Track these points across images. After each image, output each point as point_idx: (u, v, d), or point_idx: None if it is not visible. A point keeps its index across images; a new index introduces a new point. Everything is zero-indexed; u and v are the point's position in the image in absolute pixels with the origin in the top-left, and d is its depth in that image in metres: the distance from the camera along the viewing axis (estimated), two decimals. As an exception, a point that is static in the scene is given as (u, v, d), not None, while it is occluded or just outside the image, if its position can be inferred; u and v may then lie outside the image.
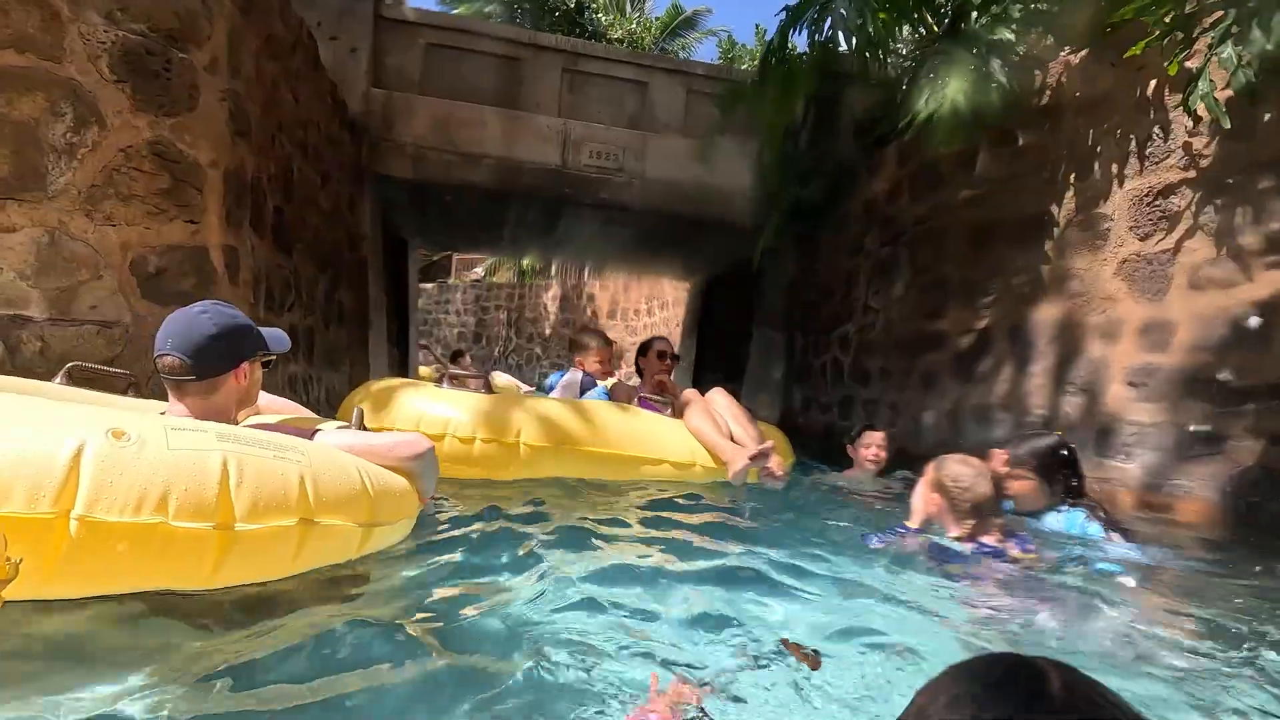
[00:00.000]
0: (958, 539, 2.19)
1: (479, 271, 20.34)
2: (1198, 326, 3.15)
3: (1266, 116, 2.92)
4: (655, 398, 3.87)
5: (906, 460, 4.32)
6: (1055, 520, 2.57)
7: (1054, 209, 4.07)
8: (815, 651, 1.47)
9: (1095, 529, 2.47)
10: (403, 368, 9.20)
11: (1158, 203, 3.42)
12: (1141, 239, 3.49)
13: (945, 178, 5.13)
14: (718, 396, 3.77)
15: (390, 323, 8.07)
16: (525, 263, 21.84)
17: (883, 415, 5.57)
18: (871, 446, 3.90)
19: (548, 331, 17.29)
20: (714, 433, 3.44)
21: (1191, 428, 3.11)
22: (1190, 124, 3.23)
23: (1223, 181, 3.11)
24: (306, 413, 2.33)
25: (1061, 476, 2.63)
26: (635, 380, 4.49)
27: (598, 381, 3.95)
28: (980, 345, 4.58)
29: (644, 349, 4.16)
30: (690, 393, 3.83)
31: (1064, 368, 3.89)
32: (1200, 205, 3.20)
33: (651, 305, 15.50)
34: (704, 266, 9.80)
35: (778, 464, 3.44)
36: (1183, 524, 3.01)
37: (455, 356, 9.66)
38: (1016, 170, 4.40)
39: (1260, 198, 2.94)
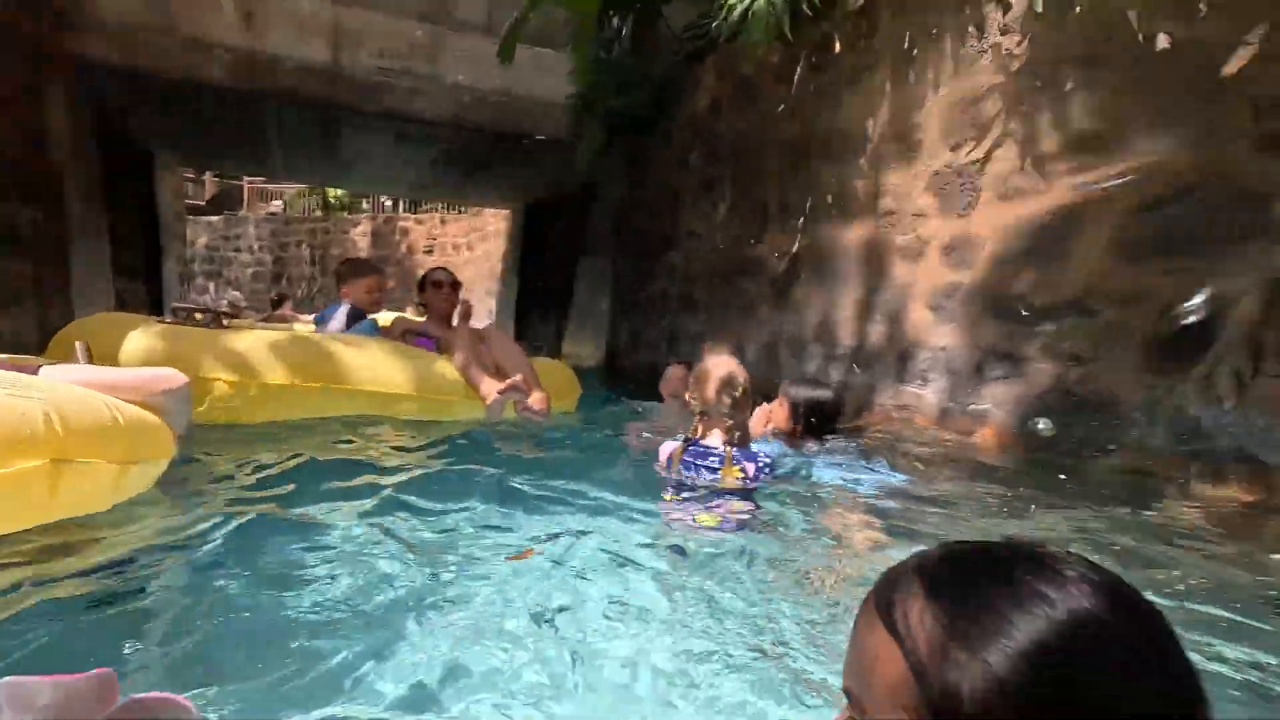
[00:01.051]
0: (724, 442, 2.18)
1: (279, 204, 17.85)
2: (1000, 241, 2.96)
3: (1078, 8, 2.68)
4: (430, 334, 3.69)
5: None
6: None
7: (869, 122, 3.77)
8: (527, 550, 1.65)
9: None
10: (156, 308, 7.61)
11: (970, 109, 3.17)
12: (952, 149, 3.25)
13: (764, 92, 4.72)
14: (492, 333, 3.66)
15: (127, 252, 6.51)
16: (333, 194, 19.58)
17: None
18: (672, 381, 3.67)
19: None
20: (475, 369, 3.31)
21: (990, 349, 2.96)
22: (1003, 18, 2.96)
23: (1031, 84, 2.88)
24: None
25: (819, 427, 2.86)
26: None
27: (368, 314, 3.73)
28: (794, 271, 4.29)
29: (421, 283, 3.91)
30: (460, 328, 3.61)
31: (871, 293, 3.66)
32: (1009, 110, 2.97)
33: (472, 239, 14.37)
34: (524, 191, 8.97)
35: (539, 400, 3.34)
36: (982, 449, 2.87)
37: (277, 303, 8.15)
38: (832, 81, 4.05)
39: (1067, 98, 2.72)
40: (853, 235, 3.82)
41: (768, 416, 2.88)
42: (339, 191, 19.56)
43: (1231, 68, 2.28)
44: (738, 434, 2.19)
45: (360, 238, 16.29)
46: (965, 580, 0.50)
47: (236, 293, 12.28)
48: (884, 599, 0.53)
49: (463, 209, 15.21)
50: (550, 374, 3.74)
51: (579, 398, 4.00)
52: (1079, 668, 0.44)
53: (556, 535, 1.84)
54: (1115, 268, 2.54)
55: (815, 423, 2.84)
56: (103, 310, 4.96)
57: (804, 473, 2.51)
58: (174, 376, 2.03)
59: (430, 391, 3.25)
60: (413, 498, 2.14)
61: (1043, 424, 2.62)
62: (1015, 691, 0.44)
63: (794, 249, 4.30)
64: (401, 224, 16.08)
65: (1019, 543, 0.53)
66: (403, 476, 2.38)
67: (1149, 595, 0.48)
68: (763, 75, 4.71)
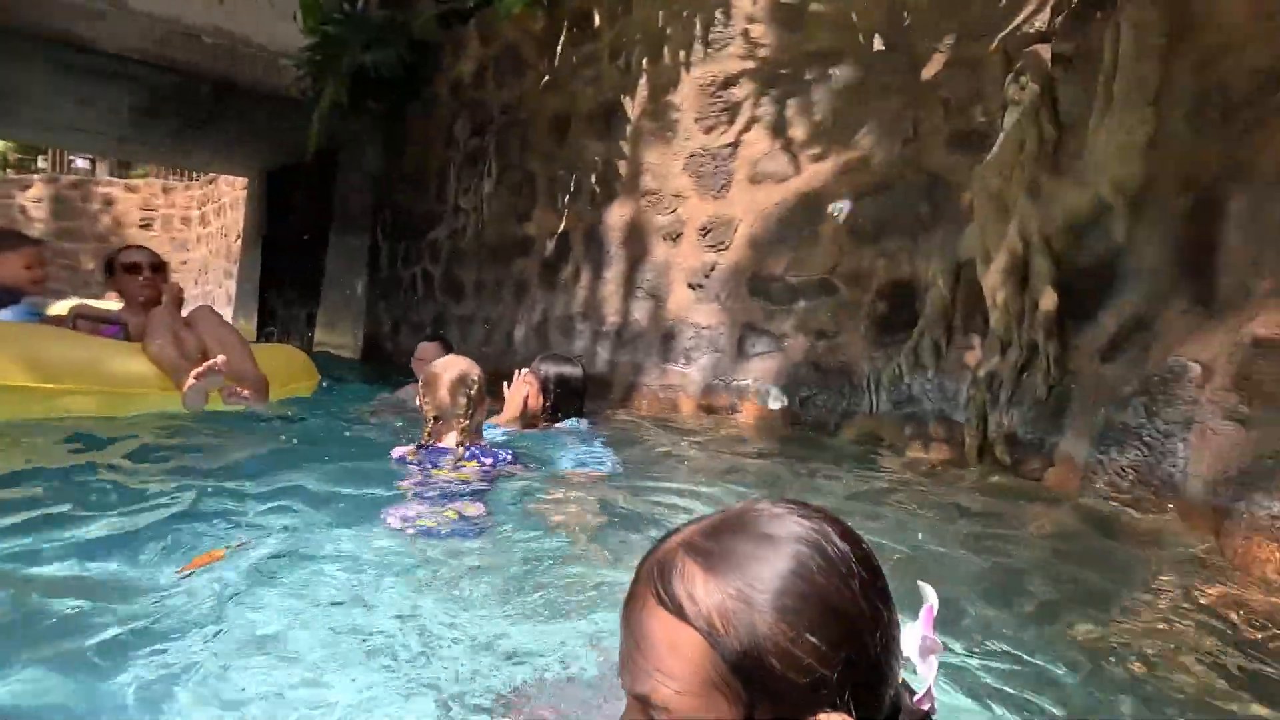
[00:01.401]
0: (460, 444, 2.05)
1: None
2: (755, 223, 3.07)
3: (813, 7, 2.82)
4: (117, 319, 3.14)
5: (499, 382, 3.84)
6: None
7: (627, 99, 3.72)
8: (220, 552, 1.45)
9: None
10: None
11: (721, 93, 3.23)
12: (706, 131, 3.30)
13: (528, 62, 4.48)
14: (199, 314, 3.21)
15: None
16: None
17: (476, 334, 4.91)
18: (424, 360, 3.30)
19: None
20: (171, 355, 2.88)
21: (749, 325, 3.06)
22: (751, 6, 3.05)
23: (777, 71, 3.00)
24: None
25: (568, 401, 2.85)
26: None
27: (26, 296, 3.11)
28: (562, 250, 4.14)
29: (109, 266, 3.28)
30: (159, 310, 3.09)
31: (634, 272, 3.64)
32: (758, 96, 3.07)
33: (207, 211, 12.30)
34: (264, 156, 7.76)
35: (252, 386, 2.99)
36: (746, 426, 2.96)
37: None
38: (594, 55, 3.94)
39: (808, 88, 2.87)
40: (616, 214, 3.76)
41: (523, 395, 2.78)
42: (1, 145, 15.49)
43: (928, 72, 2.53)
44: (472, 432, 2.08)
45: (34, 205, 12.94)
46: (723, 544, 0.55)
47: None
48: (662, 587, 0.54)
49: (194, 175, 12.88)
50: (278, 359, 3.41)
51: (319, 383, 3.62)
52: (812, 582, 0.52)
53: (245, 540, 1.61)
54: (850, 249, 2.73)
55: (563, 397, 2.83)
56: None
57: (551, 461, 2.37)
58: None
59: (109, 384, 2.81)
60: (68, 508, 1.79)
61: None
62: (785, 617, 0.51)
63: (561, 227, 4.15)
64: (102, 190, 13.13)
65: (751, 503, 0.59)
66: (58, 485, 2.00)
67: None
68: (526, 43, 4.47)
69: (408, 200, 5.80)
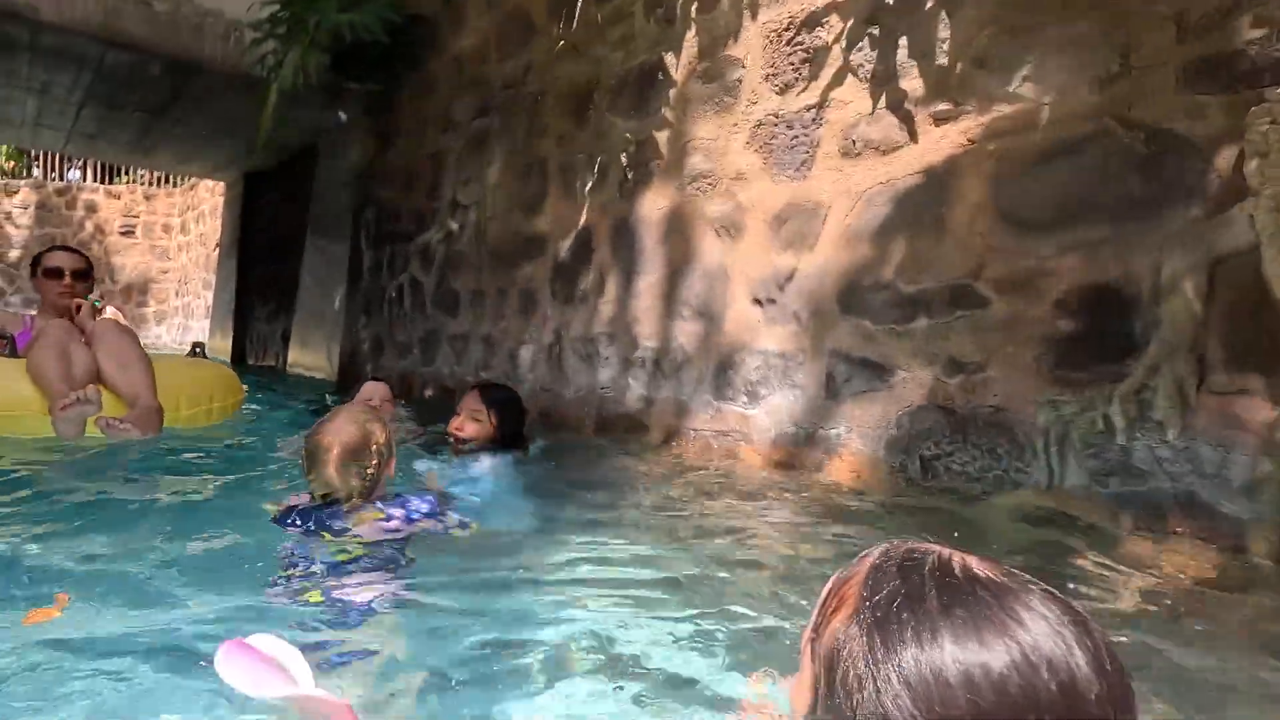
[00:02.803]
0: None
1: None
2: (852, 210, 2.23)
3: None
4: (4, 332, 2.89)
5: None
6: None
7: (670, 58, 2.90)
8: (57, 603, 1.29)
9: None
10: None
11: (800, 38, 2.41)
12: (780, 91, 2.48)
13: (539, 27, 3.69)
14: (101, 329, 2.82)
15: None
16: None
17: (473, 355, 4.06)
18: (375, 398, 2.90)
19: (15, 255, 11.76)
20: (50, 375, 2.56)
21: (843, 354, 2.21)
22: (845, -86, 2.24)
23: (880, 1, 2.19)
24: None
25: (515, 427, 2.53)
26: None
27: None
28: (581, 251, 3.31)
29: (33, 266, 3.11)
30: (53, 324, 2.76)
31: (677, 279, 2.80)
32: (854, 37, 2.25)
33: (186, 218, 11.53)
34: (239, 156, 6.96)
35: (134, 416, 2.56)
36: (837, 490, 2.11)
37: None
38: (623, 8, 3.14)
39: (931, 18, 2.05)
40: (653, 204, 2.93)
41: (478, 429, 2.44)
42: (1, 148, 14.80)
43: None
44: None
45: (18, 211, 12.26)
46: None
47: None
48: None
49: (177, 180, 12.13)
50: (200, 379, 3.10)
51: (238, 406, 3.26)
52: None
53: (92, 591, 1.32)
54: (1005, 243, 1.89)
55: (511, 423, 2.49)
56: None
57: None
58: None
59: None
60: None
61: None
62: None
63: (581, 222, 3.31)
64: (86, 196, 12.41)
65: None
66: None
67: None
68: (537, 7, 3.67)
69: (395, 198, 4.99)
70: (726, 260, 2.62)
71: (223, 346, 8.13)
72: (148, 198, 12.50)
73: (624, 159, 3.10)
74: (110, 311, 8.00)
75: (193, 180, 11.19)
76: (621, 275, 3.06)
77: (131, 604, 1.29)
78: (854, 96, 2.26)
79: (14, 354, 2.75)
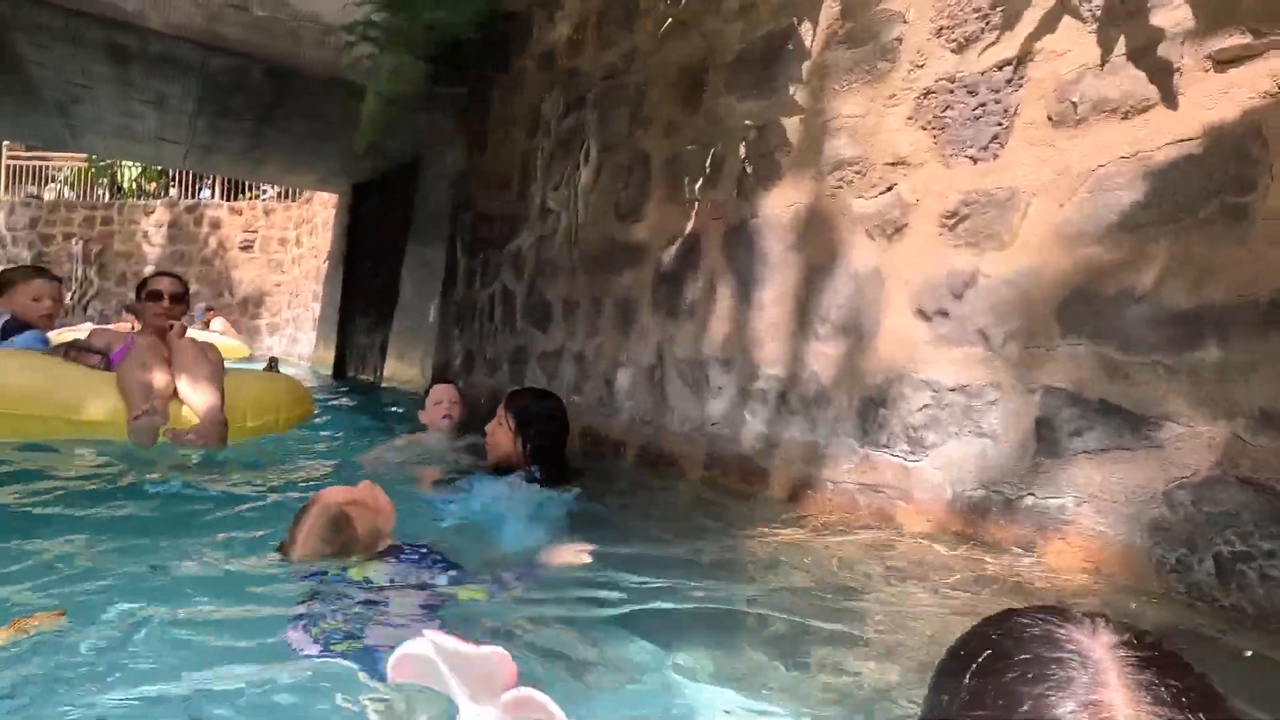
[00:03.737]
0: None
1: (55, 187, 14.39)
2: (1071, 197, 1.63)
3: None
4: (95, 350, 3.10)
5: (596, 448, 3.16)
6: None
7: (805, 24, 2.39)
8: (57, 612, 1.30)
9: None
10: None
11: (988, -24, 1.84)
12: (958, 49, 1.91)
13: (643, 8, 3.27)
14: (181, 344, 3.06)
15: None
16: (129, 176, 16.28)
17: (565, 375, 3.68)
18: (443, 403, 3.12)
19: (148, 270, 12.67)
20: (133, 388, 2.77)
21: (1069, 394, 1.60)
22: None
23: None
24: None
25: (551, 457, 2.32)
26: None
27: (37, 325, 3.19)
28: (688, 257, 2.83)
29: (139, 289, 3.37)
30: (140, 342, 3.01)
31: (813, 290, 2.26)
32: (1074, -37, 1.66)
33: (300, 232, 12.00)
34: (346, 164, 7.01)
35: (202, 429, 2.79)
36: (1056, 582, 1.50)
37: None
38: (747, -29, 2.65)
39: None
40: (781, 201, 2.42)
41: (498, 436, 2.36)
42: (135, 171, 16.20)
43: None
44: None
45: (154, 229, 13.24)
46: None
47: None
48: None
49: (294, 195, 12.75)
50: (268, 392, 3.23)
51: (307, 418, 3.38)
52: None
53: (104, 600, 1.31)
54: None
55: (538, 438, 2.30)
56: None
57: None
58: None
59: (63, 411, 2.73)
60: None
61: None
62: None
63: (688, 226, 2.84)
64: (212, 213, 13.26)
65: None
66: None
67: None
68: (644, -16, 3.26)
69: (488, 203, 4.72)
70: (881, 263, 2.07)
71: (326, 358, 8.26)
72: (266, 212, 13.19)
73: (742, 150, 2.61)
74: (219, 324, 8.49)
75: (307, 194, 11.67)
76: (737, 284, 2.55)
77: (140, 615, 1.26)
78: (1073, 43, 1.66)
79: (108, 368, 2.97)
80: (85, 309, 12.19)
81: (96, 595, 1.37)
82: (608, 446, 3.18)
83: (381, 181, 7.24)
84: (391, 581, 1.38)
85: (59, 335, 3.64)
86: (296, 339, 11.02)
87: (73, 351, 3.05)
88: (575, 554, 1.68)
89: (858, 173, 2.16)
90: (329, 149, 6.49)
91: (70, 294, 12.25)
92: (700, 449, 2.65)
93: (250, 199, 13.39)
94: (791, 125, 2.40)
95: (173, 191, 14.63)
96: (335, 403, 5.32)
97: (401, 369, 5.60)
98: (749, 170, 2.56)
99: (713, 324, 2.66)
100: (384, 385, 5.97)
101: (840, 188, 2.20)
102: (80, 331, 4.05)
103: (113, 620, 1.23)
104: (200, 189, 14.42)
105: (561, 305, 3.78)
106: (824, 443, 2.14)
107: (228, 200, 13.57)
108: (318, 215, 10.81)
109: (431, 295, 5.35)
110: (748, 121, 2.58)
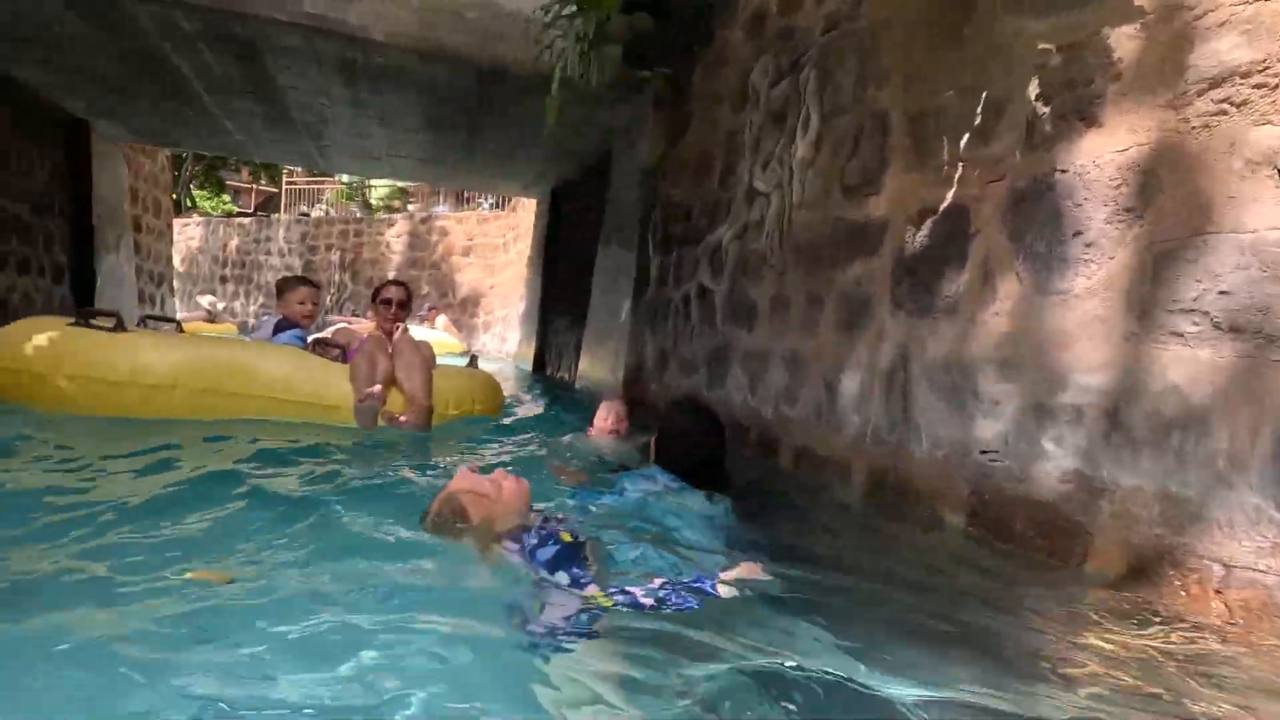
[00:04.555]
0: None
1: (323, 209, 16.84)
2: None
3: None
4: (335, 345, 3.60)
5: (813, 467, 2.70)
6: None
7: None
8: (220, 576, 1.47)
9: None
10: (87, 303, 6.16)
11: None
12: None
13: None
14: (399, 342, 3.51)
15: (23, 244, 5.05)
16: (377, 195, 18.49)
17: (773, 382, 3.19)
18: (609, 419, 3.18)
19: (390, 276, 14.22)
20: (359, 378, 3.27)
21: None
22: None
23: None
24: None
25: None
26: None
27: (299, 325, 3.88)
28: (948, 237, 2.19)
29: (374, 295, 3.94)
30: (369, 339, 3.50)
31: (1167, 271, 1.53)
32: None
33: (508, 239, 12.70)
34: (547, 168, 7.12)
35: (411, 413, 3.29)
36: None
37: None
38: None
39: None
40: (1106, 146, 1.71)
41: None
42: (383, 191, 18.48)
43: None
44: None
45: (395, 239, 14.95)
46: None
47: (211, 297, 11.18)
48: None
49: (505, 203, 13.65)
50: (467, 384, 3.70)
51: (499, 408, 3.94)
52: None
53: (271, 565, 1.52)
54: None
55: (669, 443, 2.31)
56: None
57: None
58: None
59: (307, 397, 3.25)
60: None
61: None
62: None
63: (947, 198, 2.20)
64: (440, 223, 14.67)
65: None
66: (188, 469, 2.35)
67: None
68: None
69: (683, 195, 4.36)
70: (1301, 228, 1.31)
71: (527, 355, 8.54)
72: (481, 221, 14.26)
73: (1035, 86, 1.92)
74: (441, 321, 9.39)
75: (515, 203, 12.35)
76: (1030, 268, 1.88)
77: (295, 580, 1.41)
78: None
79: (344, 361, 3.43)
80: (340, 310, 14.01)
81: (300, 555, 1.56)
82: (830, 470, 2.63)
83: (576, 183, 7.26)
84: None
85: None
86: (505, 337, 11.69)
87: (318, 347, 3.56)
88: (752, 570, 1.55)
89: (1257, 87, 1.41)
90: (531, 155, 6.59)
91: (329, 297, 14.20)
92: (962, 484, 2.01)
93: (471, 210, 14.58)
94: (1124, 36, 1.68)
95: (411, 207, 16.50)
96: (527, 398, 5.66)
97: (594, 368, 5.47)
98: (1046, 112, 1.88)
99: (985, 320, 2.00)
100: (578, 385, 5.91)
101: (1222, 114, 1.46)
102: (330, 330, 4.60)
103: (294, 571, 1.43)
104: (436, 203, 16.12)
105: (770, 301, 3.28)
106: (1200, 496, 1.42)
107: (454, 211, 14.91)
108: (523, 222, 11.36)
109: (623, 295, 5.13)
110: (1044, 46, 1.90)
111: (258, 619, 1.16)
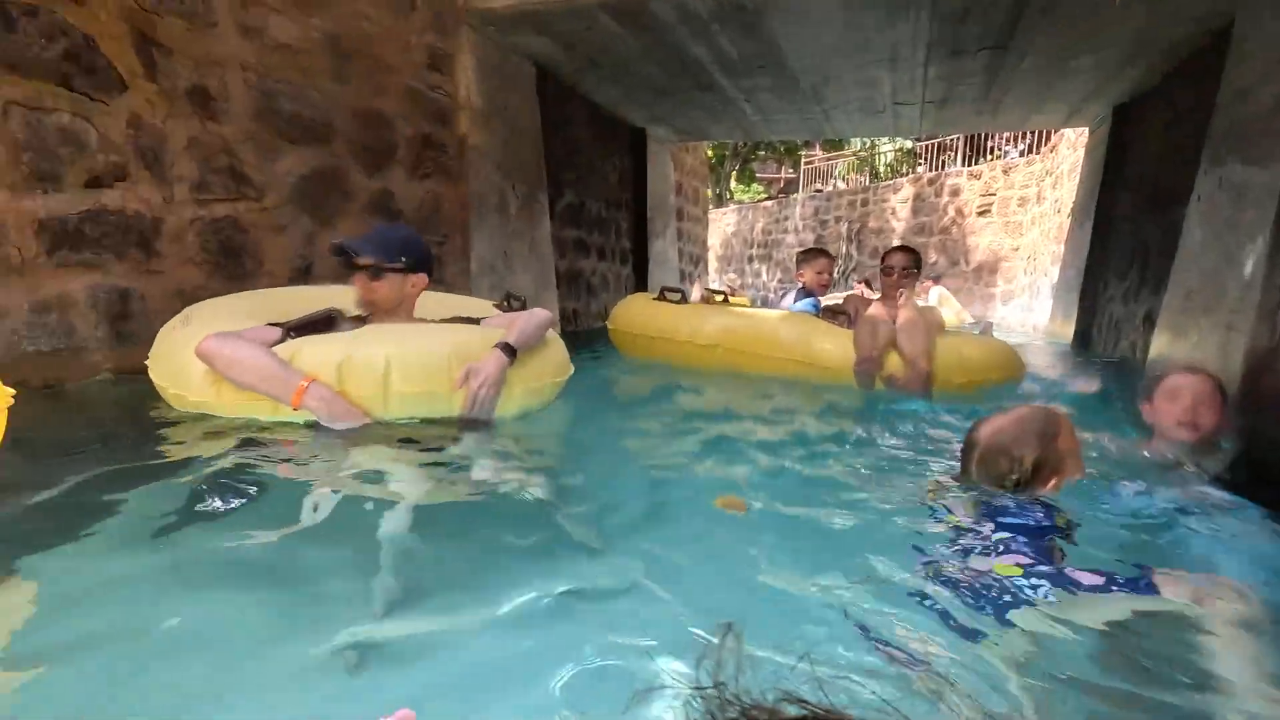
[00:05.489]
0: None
1: (837, 183, 17.26)
2: None
3: None
4: (842, 311, 3.86)
5: None
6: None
7: None
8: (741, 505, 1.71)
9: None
10: (642, 288, 7.51)
11: None
12: None
13: None
14: (903, 310, 3.54)
15: (578, 231, 6.40)
16: (884, 161, 17.86)
17: None
18: (1182, 405, 2.19)
19: (895, 244, 13.45)
20: (861, 340, 3.44)
21: None
22: None
23: None
24: None
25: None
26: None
27: (815, 295, 4.28)
28: None
29: (882, 260, 3.95)
30: (875, 305, 3.67)
31: None
32: None
33: (1041, 187, 10.42)
34: (1102, 80, 5.39)
35: (909, 376, 3.34)
36: None
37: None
38: None
39: None
40: None
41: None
42: (889, 157, 17.84)
43: None
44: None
45: (900, 205, 14.17)
46: None
47: (732, 275, 12.25)
48: None
49: (1038, 144, 11.43)
50: (975, 353, 3.57)
51: (1015, 381, 3.58)
52: None
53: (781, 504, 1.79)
54: None
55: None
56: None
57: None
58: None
59: (815, 359, 3.61)
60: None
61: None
62: None
63: None
64: (951, 181, 13.21)
65: None
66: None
67: None
68: None
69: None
70: None
71: (1063, 330, 6.88)
72: (1006, 171, 12.26)
73: None
74: (936, 293, 8.44)
75: (1053, 142, 10.17)
76: None
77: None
78: None
79: (850, 327, 3.64)
80: (847, 280, 14.17)
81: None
82: None
83: (1152, 93, 5.31)
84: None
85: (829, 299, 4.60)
86: (1031, 307, 9.81)
87: (828, 314, 3.85)
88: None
89: None
90: (1081, 65, 5.06)
91: (838, 269, 14.48)
92: None
93: (990, 160, 12.76)
94: None
95: (920, 169, 15.47)
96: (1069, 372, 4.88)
97: (1180, 347, 3.84)
98: None
99: None
100: (1147, 366, 4.31)
101: None
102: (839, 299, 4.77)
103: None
104: (948, 161, 14.72)
105: None
106: None
107: (967, 166, 13.32)
108: (1064, 162, 9.22)
109: (1244, 239, 3.40)
110: None
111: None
